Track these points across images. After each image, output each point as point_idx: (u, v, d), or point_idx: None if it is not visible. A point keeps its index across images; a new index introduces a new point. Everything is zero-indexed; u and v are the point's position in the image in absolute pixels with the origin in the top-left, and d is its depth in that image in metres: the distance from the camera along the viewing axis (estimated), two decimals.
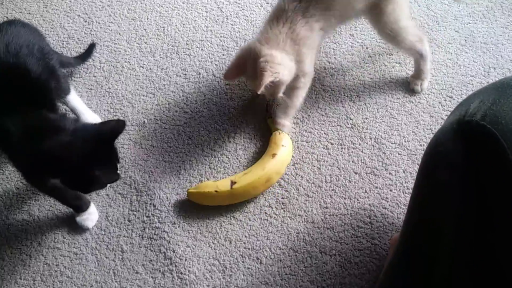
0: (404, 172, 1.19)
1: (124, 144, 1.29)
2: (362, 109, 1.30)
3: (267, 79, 1.06)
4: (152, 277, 1.08)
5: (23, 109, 1.00)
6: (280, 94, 1.17)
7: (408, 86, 1.33)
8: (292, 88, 1.21)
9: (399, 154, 1.22)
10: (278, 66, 1.08)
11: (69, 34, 1.55)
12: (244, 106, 1.33)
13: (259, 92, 1.07)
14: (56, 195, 1.12)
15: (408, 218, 0.84)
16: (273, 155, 1.17)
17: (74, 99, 1.29)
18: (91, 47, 1.45)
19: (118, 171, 1.03)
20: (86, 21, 1.58)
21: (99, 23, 1.57)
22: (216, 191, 1.13)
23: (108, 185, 1.08)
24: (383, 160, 1.21)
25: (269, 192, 1.19)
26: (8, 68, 1.05)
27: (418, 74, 1.30)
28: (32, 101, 1.03)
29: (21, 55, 1.07)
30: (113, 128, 0.99)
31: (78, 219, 1.14)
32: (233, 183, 1.14)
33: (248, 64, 1.12)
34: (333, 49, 1.42)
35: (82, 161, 0.94)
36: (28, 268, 1.11)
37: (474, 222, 0.65)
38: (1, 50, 1.05)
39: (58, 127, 0.99)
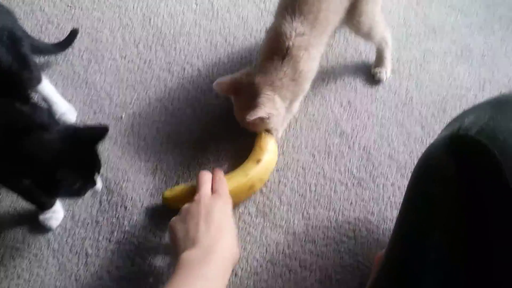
0: (392, 185, 1.13)
1: None
2: (352, 116, 1.24)
3: (261, 113, 1.03)
4: (117, 285, 1.00)
5: None
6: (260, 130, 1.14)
7: (399, 94, 1.27)
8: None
9: (388, 166, 1.16)
10: (274, 110, 1.07)
11: (48, 19, 1.46)
12: (229, 106, 1.26)
13: (247, 119, 1.03)
14: (20, 191, 1.04)
15: (395, 233, 0.80)
16: (258, 160, 1.10)
17: (47, 87, 1.20)
18: (73, 34, 1.36)
19: (95, 180, 0.97)
20: (68, 6, 1.49)
21: (81, 9, 1.48)
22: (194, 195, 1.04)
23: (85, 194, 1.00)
24: (371, 171, 1.15)
25: (250, 199, 1.12)
26: None
27: (382, 62, 1.29)
28: (3, 93, 0.95)
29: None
30: (95, 132, 0.93)
31: (41, 217, 1.05)
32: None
33: (243, 91, 1.08)
34: (325, 52, 1.35)
35: (53, 163, 0.88)
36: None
37: (465, 240, 0.62)
38: None
39: (33, 121, 0.93)
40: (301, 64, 1.07)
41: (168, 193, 1.07)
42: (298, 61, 1.06)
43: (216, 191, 0.96)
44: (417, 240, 0.71)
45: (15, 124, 0.92)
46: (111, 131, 1.21)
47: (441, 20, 1.44)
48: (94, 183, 0.97)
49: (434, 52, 1.37)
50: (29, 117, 0.95)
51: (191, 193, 1.02)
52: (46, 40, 1.38)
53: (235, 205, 1.06)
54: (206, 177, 1.00)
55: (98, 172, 0.98)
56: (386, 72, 1.29)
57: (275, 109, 1.07)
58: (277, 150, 1.15)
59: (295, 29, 1.06)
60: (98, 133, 0.94)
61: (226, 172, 1.13)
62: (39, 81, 1.17)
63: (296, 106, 1.19)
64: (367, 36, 1.24)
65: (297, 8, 1.07)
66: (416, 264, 0.72)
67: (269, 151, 1.12)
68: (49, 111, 1.14)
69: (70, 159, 0.90)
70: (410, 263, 0.73)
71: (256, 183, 1.09)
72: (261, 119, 1.06)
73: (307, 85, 1.14)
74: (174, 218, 0.91)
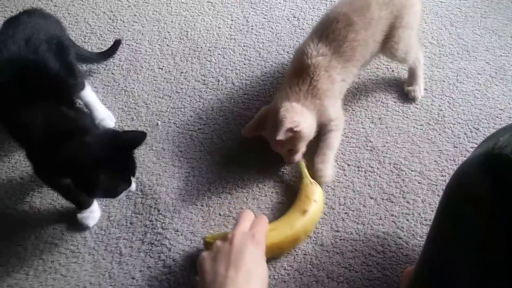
0: (423, 202, 1.13)
1: None
2: (383, 132, 1.25)
3: (287, 125, 1.03)
4: (148, 284, 1.03)
5: (43, 105, 0.98)
6: (299, 155, 1.14)
7: (431, 112, 1.28)
8: (325, 133, 1.18)
9: (418, 182, 1.16)
10: (298, 116, 1.07)
11: (92, 30, 1.54)
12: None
13: (278, 138, 1.03)
14: (61, 190, 1.09)
15: (426, 251, 0.80)
16: (304, 212, 1.05)
17: (89, 94, 1.26)
18: (116, 44, 1.43)
19: (131, 182, 1.00)
20: (110, 19, 1.57)
21: (123, 21, 1.55)
22: None
23: (122, 196, 1.05)
24: (402, 187, 1.15)
25: (278, 209, 1.13)
26: (27, 64, 1.03)
27: (416, 80, 1.30)
28: (51, 97, 1.01)
29: (40, 51, 1.06)
30: (133, 138, 0.98)
31: (79, 216, 1.10)
32: None
33: (268, 119, 1.11)
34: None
35: (93, 164, 0.92)
36: (23, 262, 1.07)
37: (499, 260, 0.60)
38: (21, 46, 1.04)
39: (76, 125, 0.99)
40: (320, 83, 1.11)
41: (210, 239, 1.02)
42: (317, 80, 1.11)
43: (252, 232, 0.89)
44: (448, 259, 0.70)
45: (60, 126, 0.98)
46: (147, 138, 1.26)
47: (475, 40, 1.44)
48: (129, 184, 1.01)
49: (467, 72, 1.37)
50: (73, 120, 1.01)
51: None
52: (89, 50, 1.45)
53: (277, 257, 1.04)
54: (246, 215, 0.94)
55: (134, 175, 1.02)
56: (420, 90, 1.30)
57: (298, 113, 1.07)
58: (323, 199, 1.11)
59: (318, 50, 1.12)
60: (137, 138, 0.98)
61: (258, 181, 1.16)
62: (82, 87, 1.23)
63: (332, 113, 1.16)
64: (402, 60, 1.27)
65: (325, 34, 1.14)
66: (446, 285, 0.72)
67: (315, 202, 1.07)
68: (90, 116, 1.20)
69: (109, 161, 0.94)
70: (440, 283, 0.73)
71: (301, 235, 1.05)
72: (294, 133, 1.06)
73: (327, 102, 1.14)
74: (204, 254, 0.86)
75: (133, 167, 1.02)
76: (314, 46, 1.13)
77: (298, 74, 1.13)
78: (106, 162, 0.94)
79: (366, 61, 1.24)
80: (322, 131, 1.18)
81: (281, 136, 1.03)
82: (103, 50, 1.43)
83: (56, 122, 0.98)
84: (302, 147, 1.13)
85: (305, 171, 1.13)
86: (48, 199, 1.16)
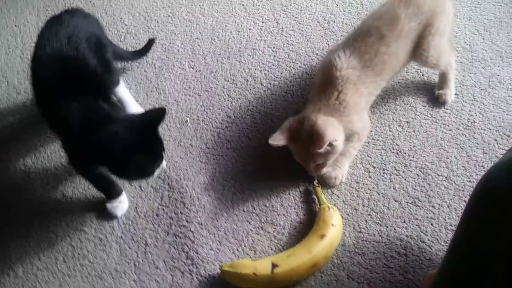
0: (448, 207, 1.11)
1: (164, 139, 1.28)
2: (411, 136, 1.24)
3: (329, 138, 1.03)
4: (171, 274, 1.06)
5: (81, 99, 1.03)
6: (326, 169, 1.14)
7: (461, 117, 1.26)
8: (347, 139, 1.16)
9: (445, 187, 1.14)
10: (336, 130, 1.07)
11: (127, 29, 1.60)
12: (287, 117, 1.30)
13: (319, 151, 1.04)
14: (93, 179, 1.14)
15: (450, 255, 0.78)
16: (322, 236, 1.03)
17: (122, 90, 1.31)
18: (150, 43, 1.48)
19: (163, 157, 1.05)
20: (145, 19, 1.62)
21: (157, 22, 1.60)
22: (254, 273, 0.99)
23: (155, 174, 1.09)
24: (427, 191, 1.14)
25: (301, 207, 1.14)
26: (69, 61, 1.09)
27: (447, 84, 1.29)
28: (89, 92, 1.06)
29: (80, 49, 1.11)
30: (155, 116, 1.02)
31: (109, 205, 1.14)
32: (274, 266, 1.00)
33: (300, 132, 1.08)
34: None
35: (126, 148, 0.97)
36: (53, 247, 1.12)
37: None
38: (64, 43, 1.10)
39: (110, 117, 1.03)
40: (348, 96, 1.10)
41: (227, 268, 1.02)
42: (346, 93, 1.10)
43: None
44: (473, 264, 0.70)
45: (96, 118, 1.02)
46: (176, 134, 1.30)
47: (509, 46, 1.41)
48: (162, 159, 1.05)
49: (500, 78, 1.34)
50: (107, 113, 1.05)
51: (252, 271, 1.00)
52: (124, 48, 1.51)
53: (297, 283, 1.03)
54: None
55: (164, 150, 1.07)
56: (451, 95, 1.28)
57: (336, 130, 1.07)
58: (342, 223, 1.09)
59: (348, 63, 1.11)
60: (158, 115, 1.02)
61: (280, 179, 1.17)
62: (117, 84, 1.28)
63: (358, 125, 1.15)
64: (434, 66, 1.25)
65: (357, 46, 1.13)
66: None
67: (333, 226, 1.05)
68: (124, 110, 1.25)
69: (139, 142, 0.99)
70: (464, 286, 0.72)
71: (320, 260, 1.03)
72: (331, 147, 1.06)
73: (354, 117, 1.12)
74: None
75: (161, 142, 1.06)
76: (344, 59, 1.12)
77: (326, 87, 1.11)
78: (137, 144, 0.99)
79: (396, 73, 1.23)
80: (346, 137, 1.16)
81: (322, 149, 1.03)
82: (137, 49, 1.48)
83: (92, 114, 1.03)
84: (331, 161, 1.12)
85: (322, 196, 1.13)
86: (80, 188, 1.21)
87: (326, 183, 1.16)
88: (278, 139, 1.09)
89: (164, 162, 1.07)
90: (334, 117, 1.09)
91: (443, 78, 1.29)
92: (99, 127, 1.00)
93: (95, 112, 1.04)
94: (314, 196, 1.14)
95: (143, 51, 1.47)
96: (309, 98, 1.19)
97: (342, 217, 1.10)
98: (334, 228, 1.05)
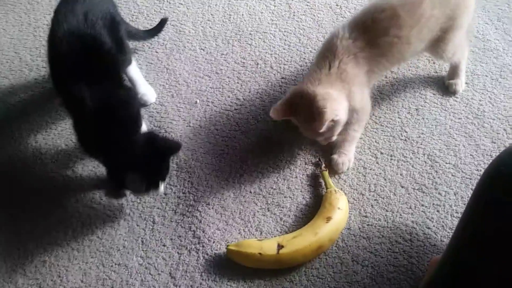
0: (455, 194, 1.12)
1: (173, 119, 1.30)
2: (419, 123, 1.24)
3: (329, 116, 1.01)
4: (178, 252, 1.07)
5: (96, 79, 1.03)
6: (335, 137, 1.13)
7: (471, 106, 1.25)
8: (346, 126, 1.14)
9: (452, 175, 1.15)
10: (337, 104, 1.04)
11: (139, 10, 1.59)
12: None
13: (321, 131, 1.02)
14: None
15: (456, 239, 0.79)
16: (328, 218, 1.04)
17: (134, 70, 1.31)
18: (162, 22, 1.47)
19: (158, 186, 1.06)
20: (158, 0, 1.62)
21: (169, 2, 1.60)
22: (260, 253, 1.00)
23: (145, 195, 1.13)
24: (434, 178, 1.14)
25: (308, 190, 1.15)
26: (86, 38, 1.08)
27: (458, 74, 1.28)
28: (103, 72, 1.06)
29: (97, 27, 1.11)
30: (168, 146, 1.05)
31: None
32: (280, 246, 1.01)
33: (300, 106, 1.05)
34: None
35: (125, 162, 1.01)
36: (62, 222, 1.14)
37: None
38: (80, 20, 1.09)
39: (124, 103, 1.06)
40: (348, 67, 1.07)
41: (233, 247, 1.04)
42: (346, 63, 1.07)
43: None
44: (478, 249, 0.70)
45: (109, 105, 1.03)
46: (185, 114, 1.31)
47: None
48: (156, 187, 1.06)
49: (511, 69, 1.33)
50: (121, 97, 1.07)
51: (257, 251, 1.01)
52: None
53: (302, 265, 1.04)
54: None
55: (163, 180, 1.07)
56: (461, 84, 1.27)
57: (336, 101, 1.04)
58: (348, 207, 1.10)
59: (351, 34, 1.08)
60: (172, 147, 1.05)
61: (288, 162, 1.18)
62: (130, 63, 1.28)
63: (358, 101, 1.12)
64: (448, 60, 1.23)
65: (364, 20, 1.09)
66: (475, 272, 0.71)
67: (340, 209, 1.06)
68: (136, 96, 1.24)
69: (140, 163, 1.01)
70: (468, 270, 0.73)
71: (326, 243, 1.03)
72: (333, 121, 1.04)
73: (355, 89, 1.09)
74: None
75: (164, 172, 1.07)
76: (348, 30, 1.09)
77: (326, 55, 1.09)
78: (136, 163, 1.01)
79: (404, 60, 1.20)
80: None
81: (323, 128, 1.02)
82: (150, 28, 1.48)
83: (105, 100, 1.03)
84: (339, 130, 1.11)
85: (329, 180, 1.13)
86: (89, 165, 1.22)
87: (334, 170, 1.16)
88: (278, 113, 1.07)
89: (161, 188, 1.08)
90: (334, 87, 1.06)
91: (454, 68, 1.28)
92: (113, 113, 1.02)
93: (109, 95, 1.04)
94: (321, 180, 1.15)
95: (156, 31, 1.46)
96: (310, 68, 1.17)
97: (348, 201, 1.11)
98: (340, 212, 1.06)
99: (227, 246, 1.05)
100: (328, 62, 1.08)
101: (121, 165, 1.02)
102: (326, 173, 1.14)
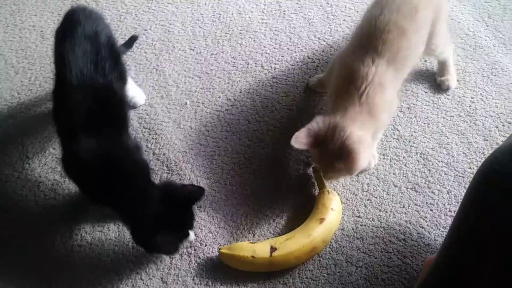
0: (448, 193, 1.11)
1: (163, 121, 1.28)
2: (411, 122, 1.23)
3: (362, 165, 0.95)
4: (169, 256, 1.05)
5: (106, 131, 0.97)
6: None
7: (463, 104, 1.25)
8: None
9: (445, 173, 1.14)
10: (368, 153, 1.00)
11: (128, 10, 1.57)
12: (287, 102, 1.30)
13: (351, 175, 1.02)
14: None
15: (450, 237, 0.78)
16: (321, 220, 1.03)
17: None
18: (133, 39, 1.40)
19: (188, 234, 0.99)
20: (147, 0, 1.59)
21: (158, 2, 1.58)
22: (252, 256, 0.99)
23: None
24: (427, 177, 1.14)
25: (300, 191, 1.14)
26: (99, 89, 1.00)
27: (448, 70, 1.28)
28: (113, 122, 1.00)
29: (107, 74, 1.02)
30: (192, 193, 0.98)
31: None
32: (273, 249, 1.00)
33: (328, 141, 0.97)
34: None
35: (151, 227, 0.93)
36: (50, 228, 1.11)
37: None
38: (91, 69, 1.00)
39: (133, 152, 1.00)
40: (376, 98, 1.00)
41: (226, 250, 1.02)
42: (373, 96, 1.00)
43: None
44: (472, 248, 0.70)
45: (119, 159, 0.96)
46: (175, 116, 1.29)
47: None
48: (187, 236, 0.99)
49: (503, 66, 1.33)
50: (134, 157, 1.00)
51: (250, 254, 1.00)
52: (123, 29, 1.49)
53: (295, 267, 1.03)
54: None
55: (191, 228, 1.00)
56: (453, 80, 1.27)
57: (369, 151, 1.00)
58: (341, 207, 1.09)
59: (373, 68, 1.01)
60: (197, 194, 0.98)
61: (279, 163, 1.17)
62: (126, 83, 1.16)
63: (385, 121, 1.10)
64: (439, 55, 1.23)
65: (376, 47, 1.02)
66: (470, 272, 0.71)
67: (333, 210, 1.05)
68: (141, 150, 1.11)
69: (167, 221, 0.94)
70: (463, 269, 0.72)
71: (319, 244, 1.02)
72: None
73: (384, 116, 1.05)
74: None
75: (190, 221, 1.00)
76: (367, 65, 1.01)
77: (351, 88, 1.01)
78: (164, 223, 0.93)
79: (414, 67, 1.19)
80: None
81: (354, 174, 0.99)
82: (132, 34, 1.45)
83: (114, 151, 0.97)
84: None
85: (322, 180, 1.11)
86: None
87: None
88: (302, 143, 0.97)
89: (192, 236, 1.01)
90: (364, 122, 0.99)
91: (443, 65, 1.28)
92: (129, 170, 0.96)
93: (119, 151, 0.97)
94: (314, 181, 1.14)
95: (126, 47, 1.39)
96: (331, 97, 1.09)
97: (341, 201, 1.10)
98: (333, 212, 1.05)
99: (219, 249, 1.03)
100: (355, 97, 0.99)
101: (147, 227, 0.93)
102: (318, 173, 1.13)
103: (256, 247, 1.01)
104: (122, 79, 1.10)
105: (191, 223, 0.99)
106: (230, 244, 1.06)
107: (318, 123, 0.98)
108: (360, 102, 0.98)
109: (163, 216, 0.94)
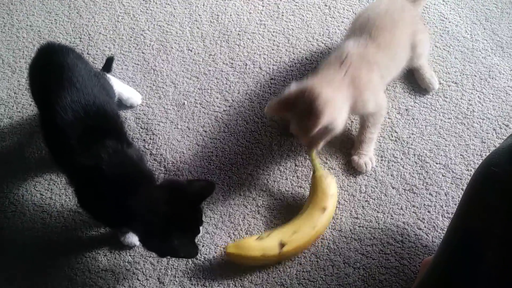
0: (446, 195, 1.11)
1: (161, 121, 1.28)
2: (410, 123, 1.23)
3: (325, 121, 0.95)
4: (167, 258, 1.05)
5: (107, 144, 0.93)
6: (322, 145, 1.08)
7: (461, 106, 1.25)
8: (363, 127, 1.14)
9: (443, 175, 1.14)
10: (337, 113, 0.99)
11: (125, 10, 1.57)
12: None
13: (311, 135, 0.97)
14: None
15: (448, 238, 0.78)
16: (324, 208, 1.04)
17: (114, 82, 1.23)
18: (109, 61, 1.35)
19: (200, 231, 0.94)
20: (144, 0, 1.59)
21: (156, 2, 1.58)
22: (262, 255, 1.00)
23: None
24: (425, 179, 1.14)
25: (298, 192, 1.13)
26: (93, 116, 0.97)
27: (425, 72, 1.28)
28: (112, 138, 0.96)
29: (97, 100, 1.00)
30: (201, 190, 0.92)
31: (123, 239, 1.06)
32: (282, 245, 1.00)
33: (300, 102, 0.98)
34: None
35: (165, 230, 0.86)
36: (46, 227, 1.11)
37: None
38: (82, 103, 0.97)
39: (141, 170, 0.96)
40: (362, 72, 1.04)
41: (233, 249, 1.02)
42: (360, 69, 1.04)
43: None
44: (469, 249, 0.70)
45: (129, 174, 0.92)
46: (173, 116, 1.29)
47: (510, 37, 1.40)
48: (198, 232, 0.95)
49: (500, 68, 1.34)
50: (138, 166, 0.95)
51: (260, 253, 1.00)
52: (121, 29, 1.48)
53: (293, 268, 1.03)
54: None
55: (201, 224, 0.95)
56: (435, 77, 1.28)
57: (337, 110, 1.00)
58: (337, 191, 1.10)
59: (359, 42, 1.07)
60: (208, 188, 0.92)
61: (277, 163, 1.16)
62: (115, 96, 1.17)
63: (371, 106, 1.10)
64: (419, 59, 1.24)
65: (369, 32, 1.09)
66: (467, 273, 0.70)
67: (333, 196, 1.06)
68: (145, 158, 1.08)
69: (180, 223, 0.88)
70: (460, 270, 0.72)
71: (322, 231, 1.06)
72: (326, 128, 0.99)
73: (367, 94, 1.07)
74: None
75: (200, 217, 0.94)
76: (355, 39, 1.09)
77: (339, 61, 1.05)
78: (178, 227, 0.87)
79: (400, 70, 1.20)
80: (360, 122, 1.15)
81: (314, 132, 0.96)
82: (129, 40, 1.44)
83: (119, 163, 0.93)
84: (328, 139, 1.07)
85: (317, 163, 1.10)
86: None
87: (357, 171, 1.15)
88: (273, 109, 1.01)
89: (201, 231, 0.97)
90: (343, 92, 1.01)
91: (420, 70, 1.28)
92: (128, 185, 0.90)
93: (120, 159, 0.93)
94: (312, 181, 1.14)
95: (105, 70, 1.33)
96: (320, 67, 1.10)
97: (339, 202, 1.10)
98: (332, 198, 1.06)
99: (226, 248, 1.02)
100: (340, 67, 1.04)
101: (160, 233, 0.87)
102: (314, 155, 1.10)
103: (265, 244, 1.01)
104: (110, 96, 1.09)
105: (201, 219, 0.94)
106: (228, 244, 1.05)
107: (288, 90, 1.00)
108: (343, 73, 1.03)
109: (172, 217, 0.88)
